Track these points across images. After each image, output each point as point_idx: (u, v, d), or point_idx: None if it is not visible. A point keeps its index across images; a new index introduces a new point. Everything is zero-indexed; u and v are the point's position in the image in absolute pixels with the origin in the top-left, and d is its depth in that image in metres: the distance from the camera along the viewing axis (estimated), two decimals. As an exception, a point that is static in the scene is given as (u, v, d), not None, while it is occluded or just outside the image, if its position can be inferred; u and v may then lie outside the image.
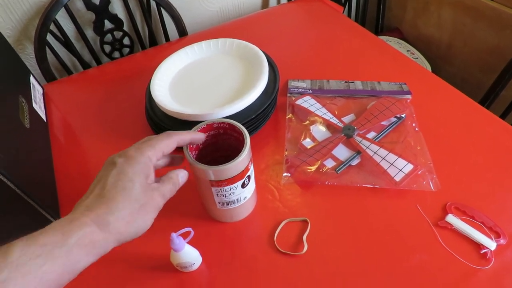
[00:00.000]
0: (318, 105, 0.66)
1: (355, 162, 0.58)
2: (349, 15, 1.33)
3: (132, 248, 0.50)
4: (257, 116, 0.60)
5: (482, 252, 0.47)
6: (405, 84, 0.71)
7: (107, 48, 0.98)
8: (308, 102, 0.67)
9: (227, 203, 0.47)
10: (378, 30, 1.39)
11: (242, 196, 0.48)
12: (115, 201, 0.33)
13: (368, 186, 0.55)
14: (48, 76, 0.90)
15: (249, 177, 0.46)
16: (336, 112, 0.66)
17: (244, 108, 0.60)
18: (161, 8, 0.96)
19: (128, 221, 0.33)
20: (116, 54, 1.00)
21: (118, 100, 0.76)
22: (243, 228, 0.52)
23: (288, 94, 0.70)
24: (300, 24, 0.95)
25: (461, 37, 1.14)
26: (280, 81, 0.67)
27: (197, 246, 0.48)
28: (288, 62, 0.81)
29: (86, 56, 0.98)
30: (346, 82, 0.73)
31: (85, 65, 0.96)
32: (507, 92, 0.88)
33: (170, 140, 0.39)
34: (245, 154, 0.43)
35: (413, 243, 0.49)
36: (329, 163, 0.58)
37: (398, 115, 0.64)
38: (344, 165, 0.57)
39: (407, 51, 1.24)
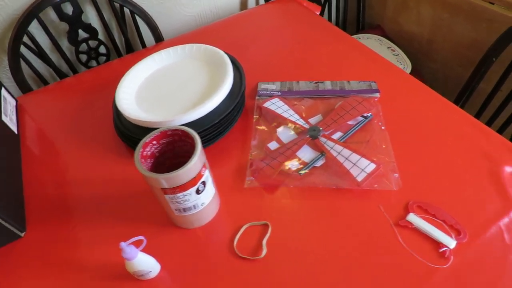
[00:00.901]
0: (286, 107, 0.66)
1: (319, 163, 0.57)
2: (329, 14, 1.33)
3: (90, 257, 0.51)
4: (221, 121, 0.60)
5: (441, 250, 0.46)
6: (375, 82, 0.70)
7: (83, 57, 0.99)
8: (275, 105, 0.67)
9: (184, 210, 0.47)
10: (360, 28, 1.38)
11: (199, 203, 0.48)
12: None
13: (331, 187, 0.55)
14: (24, 88, 0.90)
15: (204, 183, 0.46)
16: (304, 114, 0.66)
17: (209, 113, 0.60)
18: (136, 15, 0.96)
19: None
20: (93, 63, 1.01)
21: (95, 108, 0.76)
22: (205, 233, 0.52)
23: (257, 97, 0.70)
24: (275, 26, 0.95)
25: (440, 33, 1.14)
26: (250, 84, 0.67)
27: (158, 253, 0.48)
28: (262, 64, 0.81)
29: (63, 66, 0.98)
30: (316, 82, 0.72)
31: (62, 76, 0.97)
32: (486, 85, 0.87)
33: None
34: (195, 160, 0.43)
35: (374, 244, 0.49)
36: (293, 165, 0.57)
37: (364, 114, 0.64)
38: (308, 167, 0.57)
39: (388, 48, 1.24)
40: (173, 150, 0.50)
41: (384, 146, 0.59)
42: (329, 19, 1.36)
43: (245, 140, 0.64)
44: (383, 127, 0.62)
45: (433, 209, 0.51)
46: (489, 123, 0.86)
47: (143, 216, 0.54)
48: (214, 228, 0.52)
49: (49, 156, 0.68)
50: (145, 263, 0.44)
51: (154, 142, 0.47)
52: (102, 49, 1.00)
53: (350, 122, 0.63)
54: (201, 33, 0.97)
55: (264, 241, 0.49)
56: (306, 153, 0.59)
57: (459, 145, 0.59)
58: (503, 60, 0.80)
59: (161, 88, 0.67)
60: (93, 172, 0.62)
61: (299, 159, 0.58)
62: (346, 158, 0.56)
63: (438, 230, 0.48)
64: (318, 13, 1.08)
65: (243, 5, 1.20)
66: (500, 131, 0.84)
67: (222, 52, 0.68)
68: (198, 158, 0.43)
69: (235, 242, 0.50)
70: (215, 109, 0.61)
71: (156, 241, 0.51)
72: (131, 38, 1.02)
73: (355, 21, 1.39)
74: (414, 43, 1.25)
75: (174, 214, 0.48)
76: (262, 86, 0.73)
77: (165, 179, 0.42)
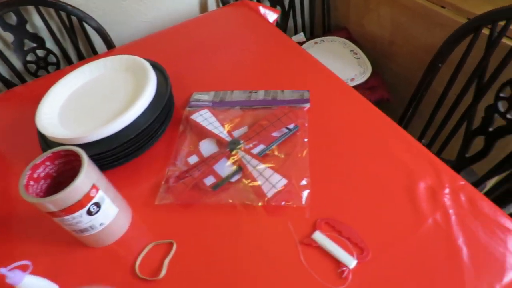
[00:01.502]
0: (213, 119, 0.65)
1: (235, 178, 0.56)
2: (294, 17, 1.32)
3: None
4: (139, 135, 0.59)
5: (339, 270, 0.45)
6: (308, 91, 0.69)
7: (32, 67, 0.98)
8: (202, 116, 0.66)
9: (81, 231, 0.47)
10: (326, 30, 1.37)
11: (96, 223, 0.47)
12: None
13: (244, 203, 0.54)
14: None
15: (97, 204, 0.46)
16: (229, 126, 0.65)
17: (128, 126, 0.59)
18: (84, 23, 0.95)
19: None
20: (43, 72, 1.00)
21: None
22: (111, 252, 0.51)
23: (187, 108, 0.69)
24: (224, 32, 0.94)
25: (400, 36, 1.12)
26: (187, 94, 0.65)
27: (61, 273, 0.48)
28: (203, 73, 0.80)
29: (14, 78, 0.97)
30: (249, 92, 0.71)
31: (11, 87, 0.96)
32: (440, 87, 0.85)
33: None
34: (78, 183, 0.42)
35: (279, 262, 0.48)
36: (209, 181, 0.56)
37: (289, 126, 0.63)
38: (222, 183, 0.56)
39: (351, 51, 1.23)
40: (73, 169, 0.49)
41: (302, 160, 0.58)
42: (295, 22, 1.35)
43: (169, 154, 0.63)
44: (305, 139, 0.61)
45: (340, 226, 0.50)
46: (443, 124, 0.85)
47: (52, 235, 0.54)
48: (121, 247, 0.52)
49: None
50: (33, 286, 0.44)
51: (48, 163, 0.46)
52: (52, 58, 0.99)
53: (275, 134, 0.62)
54: (152, 40, 0.95)
55: (166, 261, 0.49)
56: (223, 168, 0.58)
57: (381, 158, 0.58)
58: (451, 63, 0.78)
59: (85, 102, 0.66)
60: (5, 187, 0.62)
61: (216, 174, 0.57)
62: (260, 173, 0.55)
63: (340, 248, 0.47)
64: (276, 16, 1.06)
65: (203, 9, 1.19)
66: (454, 131, 0.82)
67: (146, 64, 0.67)
68: (83, 180, 0.42)
69: (137, 262, 0.49)
70: (134, 122, 0.60)
71: (61, 261, 0.51)
72: (82, 46, 1.01)
73: (321, 23, 1.38)
74: (376, 45, 1.23)
75: (74, 234, 0.48)
76: (196, 96, 0.72)
77: (48, 203, 0.41)
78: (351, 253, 0.47)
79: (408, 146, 0.59)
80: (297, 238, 0.49)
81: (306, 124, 0.63)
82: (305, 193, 0.53)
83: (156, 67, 0.70)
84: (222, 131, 0.62)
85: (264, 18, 1.00)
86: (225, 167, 0.58)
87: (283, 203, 0.52)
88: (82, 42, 1.02)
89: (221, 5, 1.17)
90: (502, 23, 0.67)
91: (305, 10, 1.34)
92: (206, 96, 0.71)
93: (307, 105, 0.66)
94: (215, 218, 0.53)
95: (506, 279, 0.44)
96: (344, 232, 0.49)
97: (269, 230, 0.51)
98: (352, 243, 0.48)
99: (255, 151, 0.59)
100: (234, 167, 0.58)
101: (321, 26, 1.38)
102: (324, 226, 0.50)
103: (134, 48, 0.93)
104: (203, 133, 0.63)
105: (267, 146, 0.60)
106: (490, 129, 0.74)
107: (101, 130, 0.56)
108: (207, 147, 0.62)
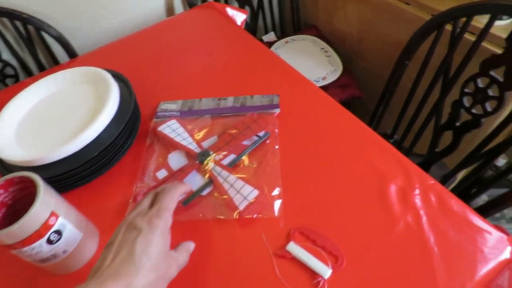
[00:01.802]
0: (181, 130, 0.63)
1: (206, 191, 0.55)
2: (263, 16, 1.30)
3: None
4: (102, 153, 0.56)
5: (314, 282, 0.45)
6: (278, 96, 0.68)
7: (-12, 80, 0.93)
8: (170, 127, 0.64)
9: (42, 261, 0.44)
10: (296, 28, 1.36)
11: (59, 251, 0.44)
12: (143, 270, 0.34)
13: (216, 218, 0.52)
14: None
15: (58, 231, 0.43)
16: (199, 136, 0.63)
17: (90, 143, 0.56)
18: (42, 32, 0.91)
19: None
20: (1, 86, 0.95)
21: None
22: (80, 278, 0.49)
23: (154, 119, 0.67)
24: (191, 36, 0.91)
25: (368, 32, 1.13)
26: (155, 103, 0.63)
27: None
28: (172, 80, 0.77)
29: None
30: (218, 99, 0.70)
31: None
32: (409, 83, 0.85)
33: (176, 199, 0.43)
34: (34, 212, 0.39)
35: (253, 276, 0.47)
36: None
37: (259, 133, 0.61)
38: (193, 197, 0.54)
39: (321, 49, 1.23)
40: (30, 194, 0.46)
41: (272, 170, 0.56)
42: (265, 21, 1.34)
43: (136, 169, 0.60)
44: (276, 147, 0.60)
45: (314, 235, 0.49)
46: (413, 119, 0.86)
47: (16, 262, 0.51)
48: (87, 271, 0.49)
49: None
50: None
51: (1, 191, 0.43)
52: (10, 71, 0.94)
53: (245, 143, 0.61)
54: (116, 46, 0.92)
55: (136, 284, 0.47)
56: (194, 181, 0.56)
57: (353, 162, 0.57)
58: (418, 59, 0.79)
59: (44, 119, 0.62)
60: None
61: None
62: (231, 185, 0.54)
63: (315, 259, 0.47)
64: (245, 17, 1.05)
65: (170, 12, 1.16)
66: (424, 126, 0.84)
67: (108, 75, 0.64)
68: (39, 208, 0.40)
69: (106, 287, 0.47)
70: (98, 138, 0.57)
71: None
72: (42, 56, 0.96)
73: (291, 22, 1.37)
74: (346, 42, 1.24)
75: (36, 264, 0.45)
76: (163, 106, 0.69)
77: (2, 236, 0.39)
78: (325, 263, 0.46)
79: (378, 148, 0.59)
80: (272, 250, 0.48)
81: (276, 131, 0.62)
82: (278, 203, 0.52)
83: (119, 77, 0.67)
84: (191, 142, 0.61)
85: (232, 20, 0.98)
86: (196, 180, 0.56)
87: (255, 215, 0.51)
88: (41, 52, 0.97)
89: (188, 8, 1.14)
90: (463, 19, 0.68)
91: (274, 9, 1.33)
92: (173, 106, 0.69)
93: (277, 111, 0.65)
94: (187, 235, 0.51)
95: (476, 277, 0.45)
96: (318, 241, 0.48)
97: (243, 244, 0.50)
98: (326, 252, 0.48)
99: (226, 161, 0.58)
100: (205, 180, 0.56)
101: (291, 25, 1.37)
102: (298, 236, 0.49)
103: (97, 56, 0.90)
104: (171, 145, 0.61)
105: (238, 155, 0.59)
106: (457, 124, 0.75)
107: (61, 149, 0.54)
108: (176, 160, 0.60)
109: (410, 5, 0.93)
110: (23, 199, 0.46)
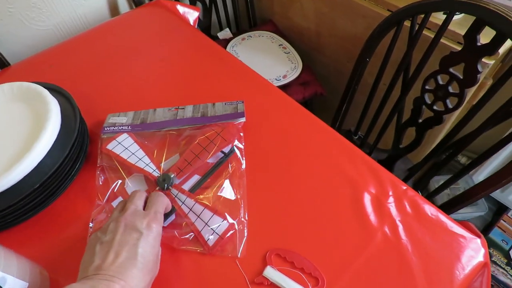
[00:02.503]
0: (135, 147, 0.56)
1: (168, 222, 0.48)
2: (217, 12, 1.24)
3: None
4: (46, 183, 0.49)
5: (296, 309, 0.42)
6: (242, 103, 0.63)
7: None
8: (122, 145, 0.56)
9: (-23, 326, 0.37)
10: (252, 24, 1.32)
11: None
12: (142, 273, 0.36)
13: (181, 249, 0.47)
14: None
15: (-6, 290, 0.36)
16: (157, 154, 0.57)
17: (32, 171, 0.49)
18: (-38, 40, 0.78)
19: None
20: None
21: None
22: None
23: (102, 135, 0.59)
24: (140, 38, 0.84)
25: (325, 27, 1.11)
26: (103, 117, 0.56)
27: None
28: (120, 90, 0.70)
29: None
30: (175, 108, 0.63)
31: None
32: (371, 79, 0.85)
33: (165, 205, 0.45)
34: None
35: (230, 309, 0.43)
36: None
37: (224, 150, 0.56)
38: None
39: (279, 45, 1.19)
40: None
41: (239, 193, 0.52)
42: (218, 17, 1.27)
43: (88, 196, 0.53)
44: (243, 161, 0.55)
45: (291, 257, 0.46)
46: (376, 115, 0.85)
47: None
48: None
49: None
50: None
51: None
52: None
53: (210, 161, 0.56)
54: (54, 52, 0.82)
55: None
56: None
57: (324, 172, 0.55)
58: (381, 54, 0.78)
59: (-27, 144, 0.53)
60: None
61: None
62: (198, 216, 0.48)
63: (295, 284, 0.44)
64: (197, 15, 0.98)
65: (114, 12, 1.06)
66: (387, 122, 0.83)
67: (44, 92, 0.55)
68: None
69: None
70: (39, 166, 0.49)
71: None
72: (-35, 67, 0.83)
73: (246, 17, 1.32)
74: (304, 38, 1.22)
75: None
76: (111, 119, 0.62)
77: None
78: (306, 286, 0.44)
79: (348, 153, 0.57)
80: (248, 278, 0.45)
81: (242, 144, 0.58)
82: (242, 240, 0.48)
83: (58, 91, 0.59)
84: (149, 163, 0.54)
85: (183, 19, 0.92)
86: None
87: (224, 252, 0.46)
88: (-36, 62, 0.84)
89: (134, 7, 1.05)
90: (421, 16, 0.68)
91: (227, 3, 1.27)
92: (123, 119, 0.62)
93: (243, 120, 0.60)
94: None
95: (455, 284, 0.44)
96: (296, 263, 0.45)
97: (216, 274, 0.45)
98: (306, 274, 0.45)
99: (189, 184, 0.53)
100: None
101: (246, 20, 1.32)
102: (275, 259, 0.46)
103: (33, 64, 0.79)
104: (125, 167, 0.55)
105: (202, 177, 0.54)
106: (420, 120, 0.76)
107: (-6, 184, 0.45)
108: (134, 186, 0.53)
109: (366, 0, 0.92)
110: None
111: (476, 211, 1.20)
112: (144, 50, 0.79)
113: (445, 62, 0.65)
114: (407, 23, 0.70)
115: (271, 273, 0.44)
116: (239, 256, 0.46)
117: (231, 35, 1.27)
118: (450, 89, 0.67)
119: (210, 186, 0.53)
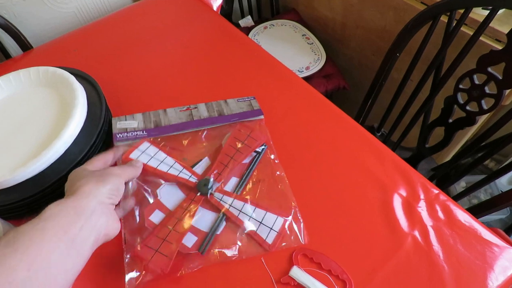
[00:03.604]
0: (162, 154, 0.51)
1: (220, 229, 0.46)
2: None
3: None
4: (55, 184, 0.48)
5: (322, 311, 0.41)
6: (254, 98, 0.60)
7: None
8: (146, 154, 0.50)
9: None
10: (274, 12, 1.29)
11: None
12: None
13: (242, 258, 0.45)
14: None
15: None
16: (184, 159, 0.52)
17: (58, 159, 0.48)
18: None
19: None
20: None
21: None
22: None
23: (115, 143, 0.52)
24: (161, 27, 0.82)
25: (352, 18, 1.08)
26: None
27: None
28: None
29: None
30: (187, 108, 0.58)
31: None
32: (399, 74, 0.82)
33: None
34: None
35: (255, 308, 0.42)
36: (190, 240, 0.45)
37: (257, 149, 0.54)
38: (209, 241, 0.45)
39: (303, 36, 1.16)
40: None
41: (280, 187, 0.50)
42: (241, 5, 1.25)
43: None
44: (276, 161, 0.54)
45: (318, 258, 0.45)
46: (402, 113, 0.83)
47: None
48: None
49: None
50: None
51: None
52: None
53: (245, 161, 0.53)
54: (76, 36, 0.81)
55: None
56: (202, 218, 0.47)
57: (354, 172, 0.53)
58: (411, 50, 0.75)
59: (-2, 129, 0.53)
60: None
61: (195, 229, 0.46)
62: (250, 216, 0.47)
63: (322, 285, 0.43)
64: (221, 1, 0.96)
65: (136, -5, 1.04)
66: (413, 121, 0.81)
67: (72, 78, 0.55)
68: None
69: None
70: (65, 154, 0.49)
71: None
72: (-11, 49, 0.83)
73: (269, 5, 1.29)
74: (328, 28, 1.18)
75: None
76: (119, 124, 0.54)
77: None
78: (333, 289, 0.43)
79: (377, 153, 0.55)
80: (274, 277, 0.44)
81: (271, 142, 0.56)
82: (300, 228, 0.47)
83: (84, 78, 0.58)
84: (182, 170, 0.51)
85: (207, 5, 0.90)
86: (206, 216, 0.47)
87: (283, 244, 0.46)
88: (-12, 45, 0.84)
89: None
90: (461, 11, 0.64)
91: (251, -9, 1.24)
92: (133, 123, 0.55)
93: (261, 117, 0.57)
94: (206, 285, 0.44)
95: (487, 295, 0.43)
96: (324, 264, 0.44)
97: (242, 272, 0.45)
98: (333, 276, 0.44)
99: (229, 186, 0.50)
100: (218, 216, 0.47)
101: (269, 8, 1.29)
102: (301, 259, 0.45)
103: (56, 48, 0.79)
104: (156, 176, 0.50)
105: (243, 177, 0.51)
106: (450, 121, 0.73)
107: (21, 170, 0.45)
108: (169, 195, 0.49)
109: (398, -8, 0.88)
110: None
111: (496, 213, 1.18)
112: (167, 36, 0.78)
113: (484, 61, 0.62)
114: (443, 18, 0.67)
115: (297, 273, 0.43)
116: (303, 242, 0.46)
117: (252, 23, 1.24)
118: (487, 90, 0.64)
119: (249, 185, 0.51)
